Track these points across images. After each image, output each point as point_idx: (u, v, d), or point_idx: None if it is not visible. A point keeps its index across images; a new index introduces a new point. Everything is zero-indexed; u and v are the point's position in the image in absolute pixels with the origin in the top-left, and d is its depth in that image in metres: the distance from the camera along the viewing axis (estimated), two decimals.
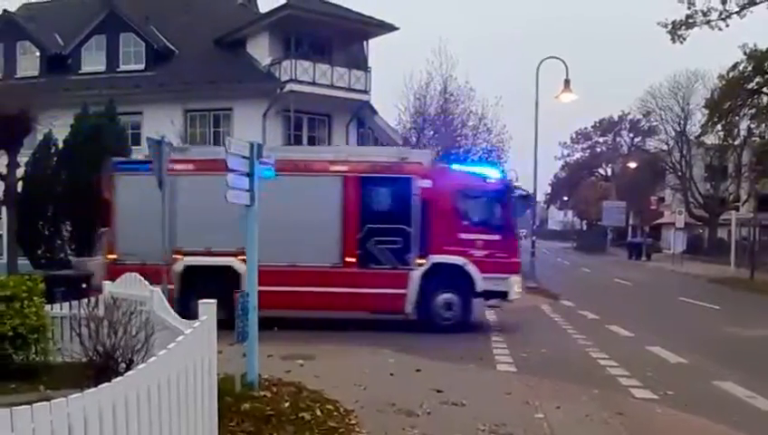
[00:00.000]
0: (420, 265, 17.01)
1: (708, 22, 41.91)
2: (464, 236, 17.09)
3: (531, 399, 9.80)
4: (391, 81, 43.56)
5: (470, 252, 17.05)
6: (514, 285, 17.63)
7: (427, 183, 17.05)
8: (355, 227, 16.96)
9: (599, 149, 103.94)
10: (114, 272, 15.12)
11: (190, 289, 15.88)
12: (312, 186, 16.82)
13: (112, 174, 17.47)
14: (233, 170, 8.76)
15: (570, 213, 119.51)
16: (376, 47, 33.42)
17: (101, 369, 7.78)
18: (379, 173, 17.23)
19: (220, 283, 15.39)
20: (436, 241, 16.98)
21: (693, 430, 8.96)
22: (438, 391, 9.89)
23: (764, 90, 43.61)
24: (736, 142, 52.78)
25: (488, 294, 17.69)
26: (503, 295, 17.64)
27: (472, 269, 17.02)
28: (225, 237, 15.28)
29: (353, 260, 16.95)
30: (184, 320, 7.16)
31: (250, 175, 8.98)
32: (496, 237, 17.27)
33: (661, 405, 10.11)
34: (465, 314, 17.37)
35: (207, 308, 6.08)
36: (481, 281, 17.07)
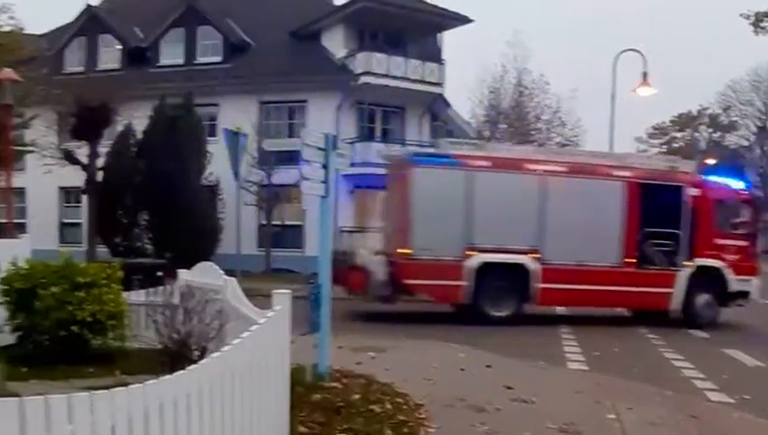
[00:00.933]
0: (687, 266, 18.35)
1: None
2: (720, 241, 18.68)
3: (602, 398, 9.63)
4: (465, 73, 43.40)
5: (725, 256, 18.56)
6: (755, 286, 18.92)
7: (695, 191, 18.59)
8: (634, 230, 18.16)
9: (676, 145, 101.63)
10: (410, 268, 16.89)
11: (482, 285, 17.16)
12: (597, 189, 18.00)
13: (408, 167, 17.69)
14: (307, 162, 8.80)
15: None
16: (450, 39, 33.18)
17: (175, 356, 7.92)
18: (655, 180, 18.39)
19: (510, 280, 17.24)
20: (699, 245, 18.45)
21: None
22: (508, 388, 9.80)
23: None
24: None
25: (735, 295, 18.83)
26: (746, 296, 18.90)
27: (727, 272, 18.43)
28: (519, 235, 16.90)
29: (632, 260, 18.13)
30: (257, 309, 7.23)
31: (325, 166, 9.00)
32: (743, 243, 18.91)
33: (738, 410, 9.82)
34: (716, 314, 18.76)
35: (282, 298, 6.12)
36: (734, 283, 18.50)
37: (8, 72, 15.74)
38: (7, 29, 17.01)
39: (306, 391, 8.09)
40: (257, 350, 5.12)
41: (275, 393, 5.60)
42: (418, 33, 31.83)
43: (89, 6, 34.40)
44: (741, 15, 42.25)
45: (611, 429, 8.30)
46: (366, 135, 29.94)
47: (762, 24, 41.38)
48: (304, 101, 30.32)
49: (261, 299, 7.15)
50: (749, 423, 9.17)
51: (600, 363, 12.78)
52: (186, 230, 23.17)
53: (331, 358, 9.34)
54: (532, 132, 42.76)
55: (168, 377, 4.04)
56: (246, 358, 4.87)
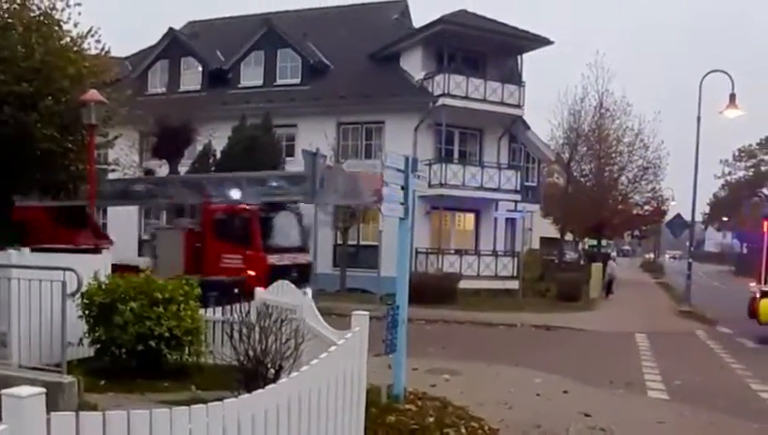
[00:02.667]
0: None
1: None
2: None
3: (684, 430, 9.38)
4: (544, 95, 42.94)
5: None
6: None
7: None
8: None
9: (763, 168, 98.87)
10: None
11: None
12: None
13: None
14: (387, 184, 8.81)
15: (728, 235, 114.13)
16: (530, 61, 33.04)
17: (251, 373, 7.96)
18: None
19: None
20: None
21: None
22: (586, 415, 9.62)
23: None
24: None
25: None
26: None
27: None
28: None
29: None
30: (334, 330, 7.23)
31: (404, 188, 9.00)
32: None
33: None
34: None
35: (361, 319, 6.11)
36: None
37: (94, 94, 16.19)
38: (94, 52, 17.54)
39: (380, 412, 8.06)
40: (334, 370, 5.11)
41: (350, 414, 5.58)
42: (498, 54, 31.73)
43: (171, 30, 35.29)
44: None
45: None
46: (443, 157, 29.88)
47: None
48: (382, 123, 30.47)
49: (335, 318, 7.15)
50: None
51: (682, 393, 12.42)
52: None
53: (405, 380, 9.29)
54: (613, 155, 42.08)
55: (246, 395, 4.06)
56: (323, 378, 4.87)
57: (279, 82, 32.82)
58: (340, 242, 28.91)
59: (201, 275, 17.93)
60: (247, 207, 19.81)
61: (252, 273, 18.57)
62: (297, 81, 32.55)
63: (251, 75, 33.40)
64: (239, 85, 33.37)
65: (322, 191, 19.76)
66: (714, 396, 12.33)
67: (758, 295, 20.13)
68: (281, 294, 10.18)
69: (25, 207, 18.65)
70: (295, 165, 25.38)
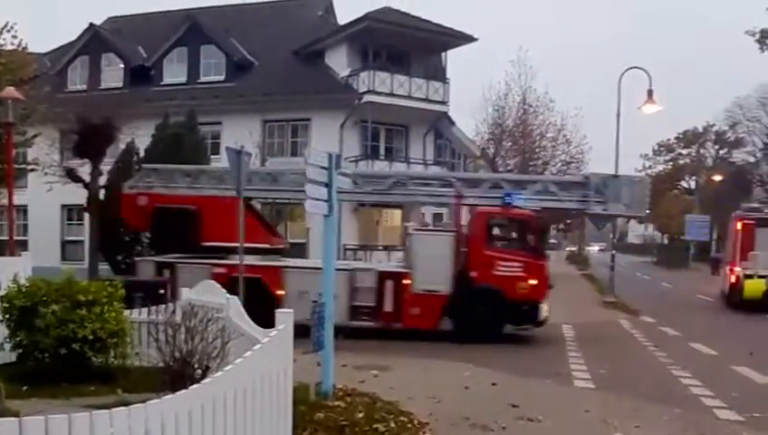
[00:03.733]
0: None
1: None
2: None
3: (609, 417, 9.54)
4: (469, 91, 43.41)
5: None
6: None
7: None
8: None
9: (682, 162, 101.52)
10: None
11: None
12: None
13: None
14: (311, 181, 8.76)
15: (650, 227, 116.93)
16: (454, 58, 33.28)
17: (178, 374, 7.85)
18: None
19: None
20: None
21: None
22: (514, 407, 9.73)
23: None
24: None
25: None
26: None
27: None
28: None
29: None
30: (261, 328, 7.17)
31: (328, 185, 8.96)
32: None
33: (747, 428, 9.71)
34: None
35: (285, 317, 6.07)
36: None
37: (11, 91, 15.75)
38: (10, 48, 17.05)
39: (309, 409, 8.02)
40: (259, 369, 5.06)
41: (277, 412, 5.54)
42: (422, 51, 31.90)
43: (92, 25, 34.54)
44: (746, 33, 42.56)
45: None
46: (370, 153, 29.93)
47: (767, 41, 41.61)
48: (308, 120, 30.40)
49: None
50: None
51: (606, 381, 12.67)
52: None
53: (334, 376, 9.26)
54: (537, 150, 42.77)
55: (170, 396, 3.99)
56: (249, 377, 4.82)
57: (203, 78, 32.44)
58: None
59: (468, 283, 17.10)
60: (528, 213, 18.08)
61: (534, 281, 17.29)
62: (221, 77, 32.22)
63: (174, 72, 32.92)
64: (162, 82, 32.87)
65: (613, 204, 18.65)
66: (638, 383, 12.61)
67: (741, 277, 26.06)
68: (206, 293, 10.06)
69: None
70: (221, 163, 25.10)
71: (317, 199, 8.84)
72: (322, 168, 8.93)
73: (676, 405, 10.70)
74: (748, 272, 26.01)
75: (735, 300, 26.54)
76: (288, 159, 27.99)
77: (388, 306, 17.07)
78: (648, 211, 26.54)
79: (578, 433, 8.55)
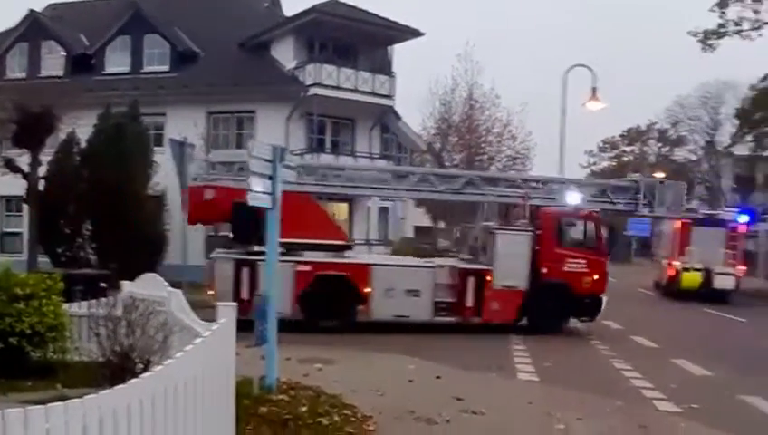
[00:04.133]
0: None
1: (740, 31, 41.74)
2: None
3: (552, 409, 9.65)
4: (416, 86, 43.51)
5: None
6: None
7: None
8: None
9: (625, 159, 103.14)
10: None
11: None
12: None
13: None
14: (255, 173, 8.68)
15: None
16: (401, 52, 33.17)
17: (118, 369, 7.72)
18: None
19: None
20: None
21: None
22: (458, 399, 9.77)
23: None
24: (766, 153, 52.30)
25: None
26: None
27: None
28: None
29: None
30: (203, 322, 7.08)
31: (272, 178, 8.88)
32: None
33: (686, 419, 9.92)
34: None
35: (226, 311, 6.00)
36: None
37: None
38: None
39: (253, 403, 7.96)
40: (201, 363, 4.99)
41: (220, 406, 5.47)
42: (369, 45, 31.82)
43: (32, 12, 33.73)
44: (689, 33, 43.34)
45: None
46: (316, 146, 29.80)
47: (709, 42, 42.47)
48: (253, 112, 30.08)
49: (210, 311, 6.99)
50: (697, 432, 9.29)
51: (550, 374, 12.82)
52: (130, 241, 22.72)
53: (278, 370, 9.20)
54: (483, 145, 43.04)
55: (107, 391, 3.91)
56: (189, 371, 4.74)
57: (146, 68, 31.83)
58: (212, 233, 28.38)
59: (540, 279, 18.34)
60: (594, 213, 19.67)
61: (596, 277, 18.69)
62: (165, 68, 31.67)
63: (117, 61, 32.24)
64: (104, 71, 32.16)
65: (659, 206, 21.61)
66: (581, 376, 12.80)
67: (679, 270, 29.53)
68: (148, 286, 9.90)
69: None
70: (164, 155, 24.77)
71: (260, 192, 8.76)
72: (266, 160, 8.84)
73: (618, 397, 10.89)
74: (686, 266, 29.59)
75: (674, 290, 30.23)
76: (233, 151, 27.65)
77: (469, 302, 17.96)
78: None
79: (521, 425, 8.62)
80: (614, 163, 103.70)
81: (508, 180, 21.22)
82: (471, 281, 18.07)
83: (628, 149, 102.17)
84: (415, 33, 32.00)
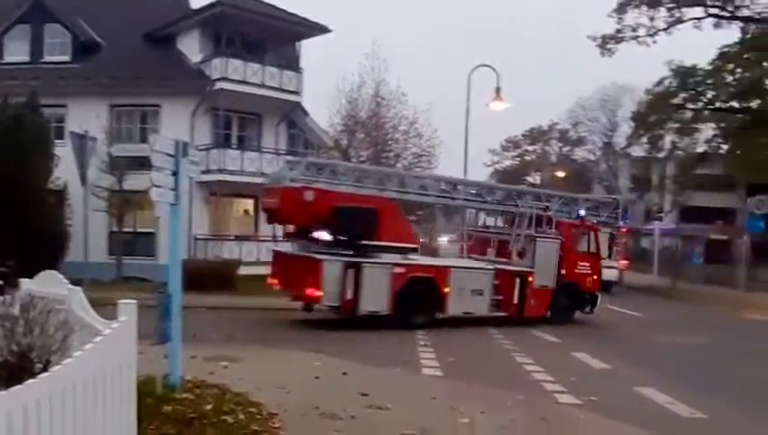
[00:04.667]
0: None
1: (636, 37, 43.25)
2: None
3: (456, 403, 9.80)
4: (324, 83, 43.49)
5: None
6: None
7: None
8: None
9: (528, 158, 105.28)
10: None
11: None
12: None
13: None
14: (157, 168, 8.53)
15: (499, 220, 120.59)
16: (309, 48, 33.16)
17: (16, 369, 7.48)
18: None
19: None
20: None
21: None
22: (363, 395, 9.83)
23: (688, 105, 44.91)
24: (661, 155, 54.09)
25: None
26: None
27: None
28: None
29: None
30: (104, 320, 6.94)
31: (175, 173, 8.75)
32: None
33: (584, 411, 10.22)
34: None
35: (127, 308, 5.89)
36: None
37: None
38: None
39: (156, 402, 7.83)
40: (100, 362, 4.89)
41: (121, 406, 5.38)
42: (277, 40, 31.60)
43: None
44: (588, 37, 44.57)
45: (465, 433, 8.44)
46: (221, 142, 29.46)
47: (607, 46, 43.77)
48: (158, 106, 29.51)
49: (111, 308, 6.86)
50: (595, 423, 9.57)
51: (454, 369, 13.02)
52: (29, 237, 22.01)
53: (183, 368, 9.08)
54: (390, 142, 43.29)
55: (2, 392, 3.81)
56: (89, 370, 4.65)
57: (47, 58, 30.84)
58: (115, 229, 27.79)
59: (561, 279, 21.52)
60: (594, 224, 23.01)
61: (596, 277, 22.48)
62: (67, 58, 30.75)
63: (16, 50, 31.11)
64: (3, 61, 31.08)
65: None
66: (484, 370, 13.04)
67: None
68: (48, 284, 9.63)
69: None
70: (65, 148, 24.10)
71: (163, 187, 8.62)
72: (169, 155, 8.71)
73: (520, 391, 11.13)
74: None
75: None
76: (135, 145, 27.04)
77: (515, 299, 20.67)
78: None
79: (425, 420, 8.72)
80: (517, 162, 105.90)
81: (533, 193, 24.18)
82: (517, 281, 20.75)
83: (530, 148, 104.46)
84: (323, 30, 31.95)
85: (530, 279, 20.94)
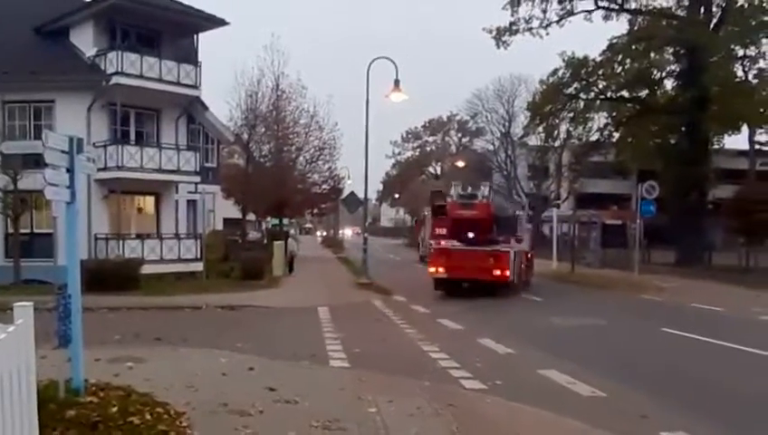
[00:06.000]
0: None
1: (530, 29, 44.40)
2: None
3: (363, 394, 9.87)
4: (223, 76, 43.00)
5: None
6: None
7: None
8: None
9: (428, 148, 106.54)
10: None
11: None
12: None
13: None
14: (51, 166, 8.30)
15: (401, 210, 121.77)
16: (207, 41, 32.69)
17: None
18: None
19: None
20: None
21: (520, 417, 9.28)
22: (271, 390, 9.82)
23: (581, 95, 46.33)
24: (556, 144, 55.50)
25: None
26: None
27: None
28: None
29: None
30: (2, 325, 6.73)
31: (70, 171, 8.53)
32: None
33: (490, 395, 10.44)
34: None
35: (24, 311, 5.73)
36: None
37: None
38: None
39: (59, 407, 7.64)
40: None
41: (20, 413, 5.23)
42: (173, 33, 31.05)
43: None
44: (484, 30, 45.35)
45: (373, 422, 8.52)
46: (119, 138, 28.78)
47: (502, 39, 44.68)
48: (51, 102, 28.60)
49: (10, 313, 6.64)
50: (501, 406, 9.81)
51: (361, 360, 13.10)
52: None
53: (86, 371, 8.87)
54: (291, 136, 43.10)
55: None
56: None
57: None
58: (11, 231, 26.84)
59: None
60: None
61: None
62: None
63: None
64: None
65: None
66: (390, 360, 13.16)
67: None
68: None
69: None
70: None
71: (57, 186, 8.39)
72: (62, 152, 8.47)
73: (427, 378, 11.30)
74: None
75: None
76: (29, 142, 26.12)
77: (523, 275, 28.53)
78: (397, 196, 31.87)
79: (334, 411, 8.75)
80: (417, 153, 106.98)
81: None
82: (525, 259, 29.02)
83: (430, 139, 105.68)
84: (220, 23, 31.54)
85: (530, 256, 31.44)
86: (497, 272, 25.10)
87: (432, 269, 26.26)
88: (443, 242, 26.43)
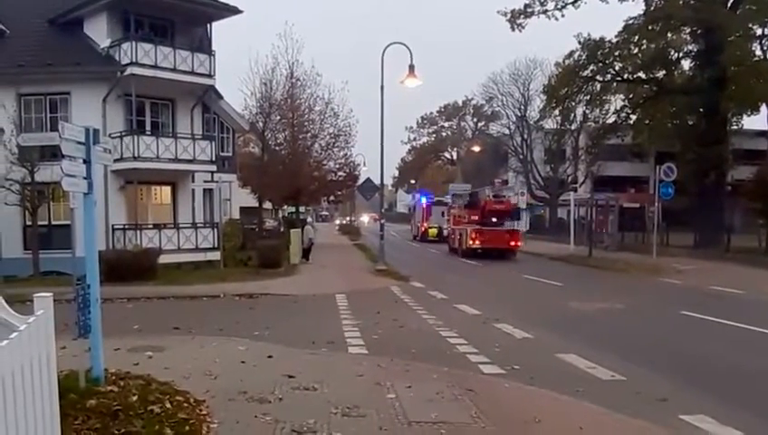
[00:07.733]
0: None
1: (545, 11, 44.08)
2: None
3: (382, 380, 9.89)
4: (237, 65, 42.92)
5: None
6: None
7: None
8: None
9: (444, 134, 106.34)
10: None
11: None
12: None
13: None
14: (67, 157, 8.33)
15: (417, 195, 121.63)
16: (221, 30, 32.66)
17: None
18: None
19: None
20: None
21: (539, 401, 9.26)
22: (290, 377, 9.84)
23: (597, 77, 46.00)
24: (573, 127, 55.23)
25: None
26: None
27: None
28: None
29: None
30: (19, 315, 6.77)
31: (87, 162, 8.56)
32: None
33: (509, 380, 10.44)
34: None
35: (44, 302, 5.76)
36: None
37: None
38: None
39: (80, 397, 7.70)
40: (18, 358, 4.78)
41: (42, 402, 5.27)
42: (187, 22, 31.05)
43: None
44: (498, 12, 45.12)
45: (392, 408, 8.53)
46: (135, 128, 28.86)
47: (517, 21, 44.42)
48: (67, 94, 28.69)
49: (30, 305, 6.69)
50: (519, 391, 9.79)
51: (379, 346, 13.10)
52: None
53: (106, 361, 8.94)
54: (306, 123, 43.10)
55: None
56: (5, 368, 4.54)
57: None
58: (29, 223, 27.01)
59: None
60: None
61: None
62: None
63: None
64: None
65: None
66: (409, 345, 13.16)
67: (426, 227, 58.35)
68: None
69: None
70: None
71: (74, 177, 8.42)
72: (79, 143, 8.50)
73: (445, 364, 11.30)
74: (431, 225, 58.60)
75: (425, 238, 58.05)
76: (44, 134, 26.23)
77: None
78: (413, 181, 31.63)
79: (353, 397, 8.78)
80: (433, 138, 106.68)
81: None
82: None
83: (446, 124, 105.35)
84: (234, 11, 31.49)
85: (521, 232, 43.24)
86: (513, 243, 38.93)
87: (470, 242, 38.74)
88: (476, 226, 39.27)
